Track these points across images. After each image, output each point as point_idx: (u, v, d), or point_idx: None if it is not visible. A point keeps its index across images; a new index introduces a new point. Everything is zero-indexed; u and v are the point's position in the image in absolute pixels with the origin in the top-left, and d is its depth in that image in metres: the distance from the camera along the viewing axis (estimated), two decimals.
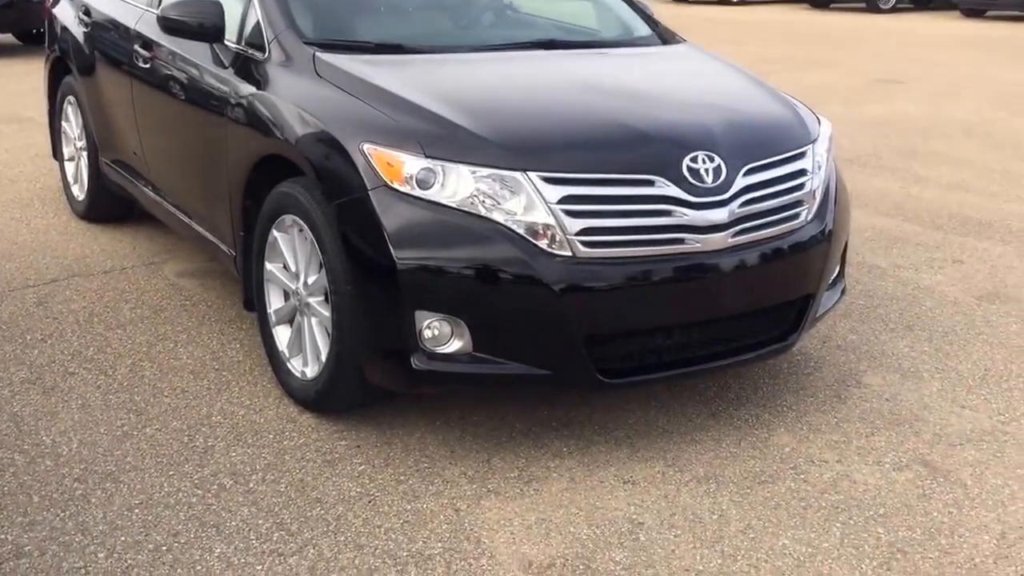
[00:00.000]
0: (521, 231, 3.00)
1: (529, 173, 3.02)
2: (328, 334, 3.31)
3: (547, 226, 3.00)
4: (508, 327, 3.05)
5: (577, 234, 3.02)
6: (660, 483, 3.16)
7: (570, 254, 3.02)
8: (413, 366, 3.05)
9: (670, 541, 2.86)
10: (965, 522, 3.00)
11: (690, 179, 3.15)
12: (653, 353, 3.24)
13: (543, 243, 3.01)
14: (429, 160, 3.04)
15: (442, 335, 3.05)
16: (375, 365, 3.19)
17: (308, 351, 3.45)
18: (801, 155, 3.47)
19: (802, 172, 3.46)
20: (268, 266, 3.60)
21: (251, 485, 3.04)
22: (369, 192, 3.05)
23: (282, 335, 3.61)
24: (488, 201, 3.01)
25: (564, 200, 3.02)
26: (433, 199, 3.02)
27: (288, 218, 3.41)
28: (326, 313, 3.30)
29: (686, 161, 3.17)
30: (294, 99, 3.45)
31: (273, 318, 3.63)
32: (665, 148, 3.19)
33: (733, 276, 3.24)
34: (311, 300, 3.40)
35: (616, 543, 2.84)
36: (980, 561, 2.81)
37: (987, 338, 4.33)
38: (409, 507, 2.97)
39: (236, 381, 3.72)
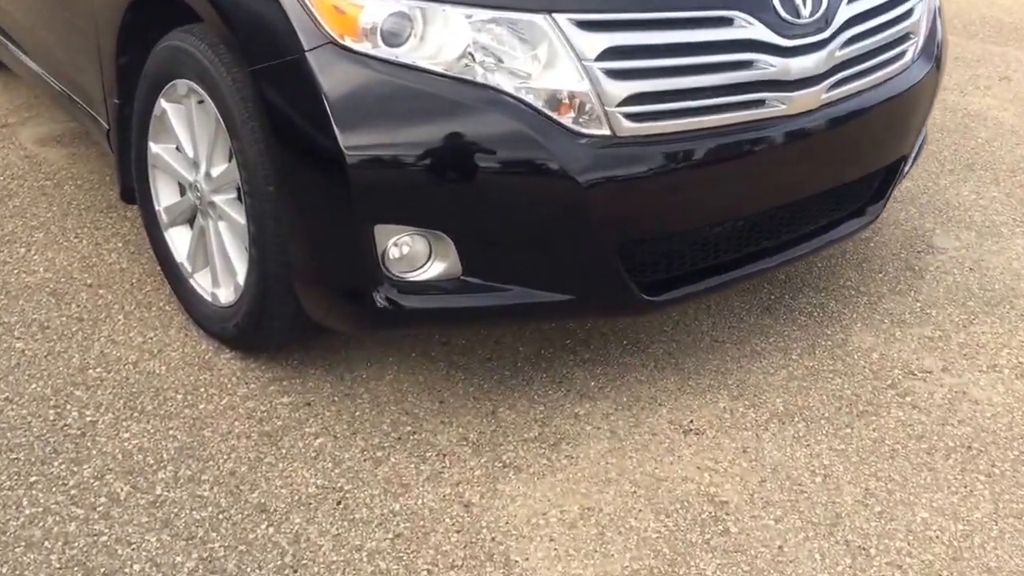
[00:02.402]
0: (538, 103, 1.98)
1: (555, 16, 1.97)
2: (245, 248, 2.29)
3: (577, 94, 1.99)
4: (513, 240, 2.07)
5: (621, 104, 2.02)
6: (731, 428, 2.31)
7: (608, 133, 2.03)
8: (377, 304, 2.07)
9: (772, 530, 2.04)
10: None
11: (782, 13, 2.15)
12: (706, 252, 2.32)
13: (567, 118, 2.00)
14: (402, 1, 1.96)
15: (415, 255, 2.07)
16: (318, 299, 2.19)
17: (218, 265, 2.43)
18: None
19: None
20: (154, 147, 2.51)
21: (158, 491, 2.08)
22: (306, 54, 1.97)
23: (179, 241, 2.56)
24: (489, 60, 1.97)
25: (606, 55, 2.00)
26: (406, 61, 1.97)
27: (181, 84, 2.31)
28: (240, 220, 2.27)
29: None
30: None
31: (164, 217, 2.57)
32: None
33: (823, 145, 2.32)
34: (217, 198, 2.35)
35: (700, 542, 2.00)
36: None
37: None
38: (397, 506, 2.06)
39: (119, 303, 2.68)
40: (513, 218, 2.05)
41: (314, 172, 2.03)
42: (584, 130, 2.01)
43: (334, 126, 1.94)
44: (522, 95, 1.97)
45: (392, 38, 1.96)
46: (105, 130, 2.75)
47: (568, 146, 2.00)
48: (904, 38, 2.45)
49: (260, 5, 2.04)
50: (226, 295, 2.41)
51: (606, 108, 2.01)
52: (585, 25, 2.00)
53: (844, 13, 2.25)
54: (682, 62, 2.06)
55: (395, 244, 2.05)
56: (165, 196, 2.55)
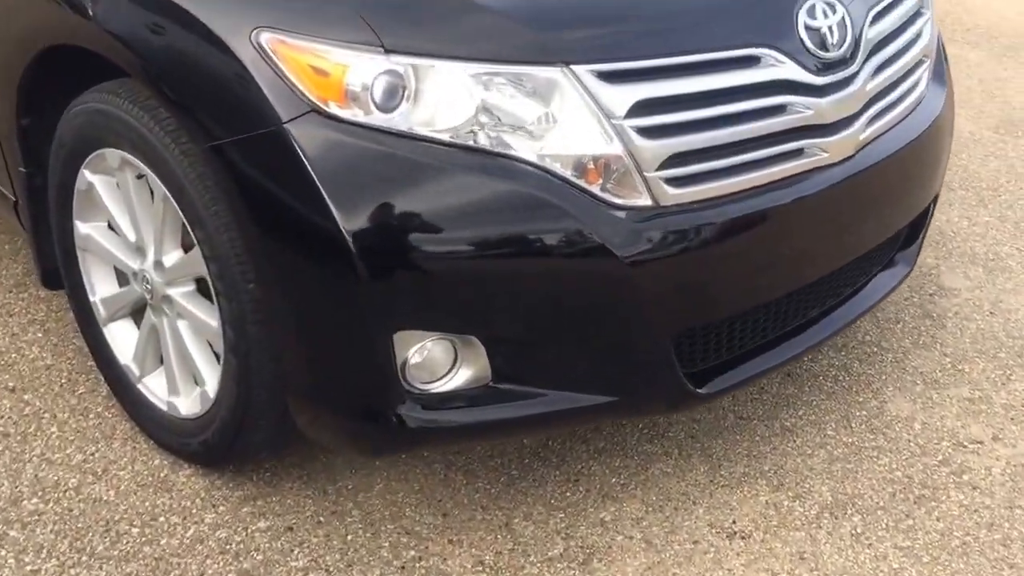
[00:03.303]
0: (565, 172, 1.67)
1: (574, 67, 1.66)
2: (214, 352, 1.93)
3: (609, 159, 1.69)
4: (553, 336, 1.76)
5: (661, 167, 1.72)
6: (780, 528, 2.03)
7: (649, 203, 1.73)
8: (395, 424, 1.73)
9: None
10: None
11: (810, 45, 1.88)
12: (755, 331, 2.03)
13: (596, 187, 1.70)
14: (392, 57, 1.62)
15: (436, 362, 1.74)
16: (320, 421, 1.84)
17: (177, 371, 2.05)
18: None
19: (919, 13, 2.24)
20: (82, 228, 2.12)
21: None
22: (285, 125, 1.61)
23: (121, 339, 2.18)
24: (498, 123, 1.65)
25: (638, 110, 1.69)
26: (404, 129, 1.63)
27: (111, 154, 1.93)
28: (208, 320, 1.90)
29: (802, 17, 1.88)
30: None
31: (101, 311, 2.18)
32: (770, 1, 1.90)
33: (871, 192, 2.06)
34: (173, 292, 1.98)
35: None
36: None
37: None
38: None
39: (50, 411, 2.28)
40: (554, 311, 1.73)
41: (311, 266, 1.67)
42: (620, 200, 1.71)
43: (333, 211, 1.59)
44: (545, 164, 1.66)
45: (385, 102, 1.63)
46: (11, 202, 2.34)
47: (607, 221, 1.69)
48: (919, 62, 2.21)
49: (213, 62, 1.67)
50: (188, 406, 2.04)
51: (644, 173, 1.71)
52: (610, 76, 1.69)
53: (868, 38, 1.98)
54: (718, 112, 1.76)
55: (416, 352, 1.72)
56: (101, 286, 2.16)
